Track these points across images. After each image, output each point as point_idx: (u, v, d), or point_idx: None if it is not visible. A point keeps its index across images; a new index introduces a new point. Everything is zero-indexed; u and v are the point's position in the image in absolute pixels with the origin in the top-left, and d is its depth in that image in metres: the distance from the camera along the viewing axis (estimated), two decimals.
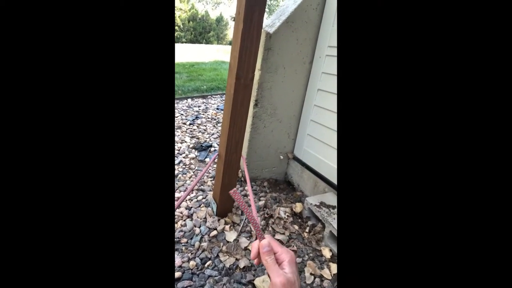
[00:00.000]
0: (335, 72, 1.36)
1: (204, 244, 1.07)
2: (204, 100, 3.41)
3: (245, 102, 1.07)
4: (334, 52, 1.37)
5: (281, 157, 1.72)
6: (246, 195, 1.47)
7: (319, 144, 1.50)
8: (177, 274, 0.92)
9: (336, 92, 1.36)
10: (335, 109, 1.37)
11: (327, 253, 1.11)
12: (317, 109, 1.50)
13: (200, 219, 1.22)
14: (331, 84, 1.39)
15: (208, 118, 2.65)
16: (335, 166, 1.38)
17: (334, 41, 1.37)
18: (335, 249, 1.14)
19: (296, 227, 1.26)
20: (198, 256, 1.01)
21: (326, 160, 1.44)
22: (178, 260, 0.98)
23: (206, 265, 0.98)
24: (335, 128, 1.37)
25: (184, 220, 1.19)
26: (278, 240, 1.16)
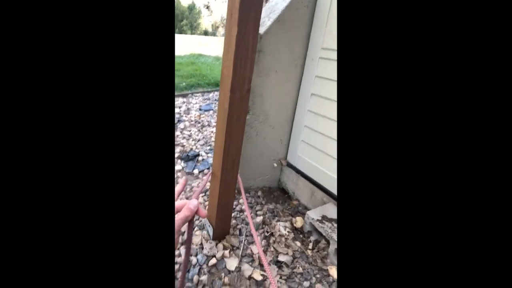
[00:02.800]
0: (330, 76, 1.27)
1: (204, 278, 0.96)
2: (185, 100, 3.18)
3: (241, 117, 0.94)
4: (328, 54, 1.27)
5: (275, 164, 1.63)
6: (242, 211, 1.37)
7: (315, 151, 1.42)
8: None
9: (331, 97, 1.28)
10: (330, 115, 1.30)
11: (334, 273, 1.06)
12: (311, 115, 1.42)
13: (196, 246, 1.10)
14: (326, 89, 1.30)
15: (192, 121, 2.46)
16: (333, 175, 1.32)
17: (328, 43, 1.27)
18: None
19: (299, 243, 1.20)
20: None
21: (323, 168, 1.37)
22: None
23: None
24: (332, 135, 1.30)
25: (178, 249, 1.06)
26: (282, 261, 1.08)
